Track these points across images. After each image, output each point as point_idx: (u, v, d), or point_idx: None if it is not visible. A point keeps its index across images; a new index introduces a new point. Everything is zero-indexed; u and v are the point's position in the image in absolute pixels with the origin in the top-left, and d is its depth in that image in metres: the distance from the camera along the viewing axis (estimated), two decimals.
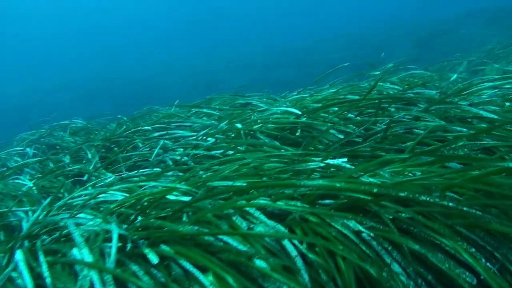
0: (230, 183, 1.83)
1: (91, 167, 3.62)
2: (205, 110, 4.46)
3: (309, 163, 1.81)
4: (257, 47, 24.53)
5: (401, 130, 2.37)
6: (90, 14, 50.66)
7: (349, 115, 2.91)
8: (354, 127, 2.67)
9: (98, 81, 20.96)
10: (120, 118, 7.75)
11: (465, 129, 2.13)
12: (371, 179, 1.56)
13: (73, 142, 4.96)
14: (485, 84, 3.41)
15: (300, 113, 2.92)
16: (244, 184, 1.75)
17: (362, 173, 1.60)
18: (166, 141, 3.53)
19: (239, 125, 3.01)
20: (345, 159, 1.79)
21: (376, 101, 2.69)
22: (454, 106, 2.38)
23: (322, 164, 1.79)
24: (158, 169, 2.81)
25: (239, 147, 2.74)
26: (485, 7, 18.53)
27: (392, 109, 2.83)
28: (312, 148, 2.44)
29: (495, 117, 2.19)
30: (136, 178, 2.68)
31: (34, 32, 45.79)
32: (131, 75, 21.44)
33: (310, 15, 41.24)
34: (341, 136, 2.59)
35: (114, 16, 50.37)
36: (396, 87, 3.83)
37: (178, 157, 2.98)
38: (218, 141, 3.02)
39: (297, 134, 2.83)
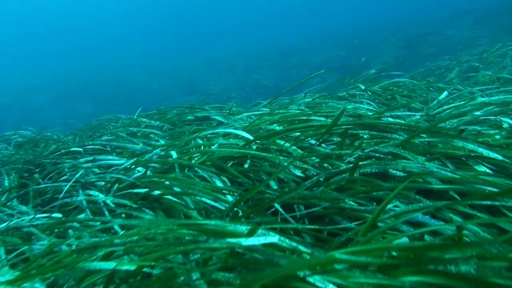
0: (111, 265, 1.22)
1: (3, 198, 2.97)
2: (153, 123, 3.82)
3: (227, 239, 1.20)
4: (239, 47, 23.92)
5: (372, 170, 1.77)
6: (71, 11, 49.60)
7: (312, 141, 2.31)
8: (315, 159, 2.07)
9: (76, 80, 20.15)
10: (74, 125, 7.06)
11: (457, 175, 1.53)
12: None
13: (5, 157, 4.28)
14: (478, 99, 2.84)
15: (251, 138, 2.31)
16: None
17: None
18: (94, 168, 2.91)
19: (174, 154, 2.38)
20: (275, 238, 1.16)
21: (344, 127, 2.08)
22: (442, 140, 1.78)
23: (245, 243, 1.18)
24: (59, 214, 2.17)
25: (170, 182, 2.13)
26: (472, 8, 18.14)
27: (366, 136, 2.23)
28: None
29: (499, 157, 1.60)
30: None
31: (7, 31, 44.55)
32: (111, 75, 20.66)
33: (295, 15, 40.71)
34: (298, 173, 1.98)
35: (91, 14, 49.36)
36: (372, 106, 3.26)
37: (97, 193, 2.35)
38: (147, 173, 2.39)
39: (245, 166, 2.22)
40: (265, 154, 2.06)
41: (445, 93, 3.10)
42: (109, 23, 46.20)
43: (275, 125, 2.54)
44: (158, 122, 4.07)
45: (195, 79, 17.62)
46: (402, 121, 2.26)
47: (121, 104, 16.84)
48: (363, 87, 3.73)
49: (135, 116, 5.03)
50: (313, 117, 2.48)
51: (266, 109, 4.06)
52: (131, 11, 49.84)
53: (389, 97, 3.69)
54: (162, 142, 3.19)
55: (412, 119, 2.42)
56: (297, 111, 2.84)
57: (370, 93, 3.84)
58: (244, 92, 15.55)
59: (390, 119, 2.22)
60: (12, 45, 38.98)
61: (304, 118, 2.47)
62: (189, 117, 3.69)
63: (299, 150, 2.12)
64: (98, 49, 31.50)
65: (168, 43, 32.32)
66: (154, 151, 2.55)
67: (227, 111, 4.16)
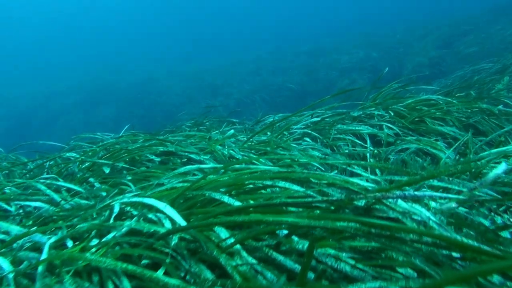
0: None
1: None
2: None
3: None
4: (267, 48, 23.20)
5: None
6: (95, 15, 50.12)
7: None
8: None
9: (100, 85, 19.96)
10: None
11: None
12: None
13: None
14: None
15: (179, 220, 1.43)
16: None
17: None
18: None
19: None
20: None
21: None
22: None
23: None
24: None
25: None
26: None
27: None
28: None
29: None
30: None
31: (29, 37, 45.35)
32: (136, 77, 20.37)
33: (325, 14, 39.61)
34: None
35: (110, 16, 49.69)
36: (395, 129, 2.49)
37: None
38: None
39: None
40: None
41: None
42: (134, 26, 46.47)
43: (222, 189, 1.58)
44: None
45: (219, 82, 17.05)
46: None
47: (146, 107, 16.51)
48: (378, 112, 2.98)
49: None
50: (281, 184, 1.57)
51: (244, 137, 3.35)
52: (155, 13, 49.96)
53: (416, 119, 2.93)
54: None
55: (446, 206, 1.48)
56: (260, 167, 1.98)
57: (392, 114, 3.07)
58: (268, 96, 14.88)
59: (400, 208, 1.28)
60: (37, 49, 39.71)
61: (269, 183, 1.56)
62: (158, 149, 2.93)
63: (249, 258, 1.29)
64: (123, 52, 31.55)
65: (194, 45, 31.97)
66: None
67: (206, 138, 3.42)
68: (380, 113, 3.08)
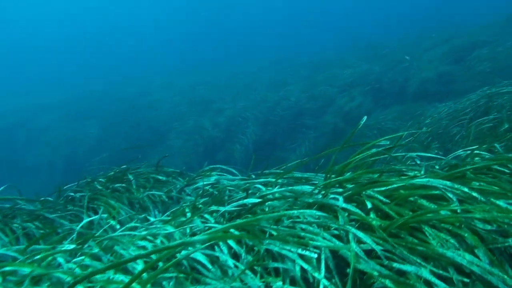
0: None
1: None
2: None
3: None
4: (265, 61, 21.98)
5: None
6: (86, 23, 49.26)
7: None
8: None
9: (89, 98, 18.96)
10: None
11: None
12: None
13: None
14: None
15: None
16: None
17: None
18: None
19: None
20: None
21: None
22: None
23: None
24: None
25: None
26: None
27: None
28: None
29: None
30: None
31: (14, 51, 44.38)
32: (123, 90, 19.34)
33: (329, 25, 38.34)
34: None
35: (108, 26, 48.88)
36: None
37: None
38: None
39: None
40: None
41: None
42: (132, 37, 45.67)
43: None
44: None
45: (212, 96, 15.91)
46: None
47: (132, 124, 15.41)
48: (341, 205, 1.74)
49: None
50: None
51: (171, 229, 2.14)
52: (154, 24, 49.07)
53: (410, 224, 1.71)
54: None
55: None
56: None
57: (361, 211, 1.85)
58: (261, 114, 13.67)
59: None
60: (25, 60, 38.94)
61: None
62: None
63: None
64: (119, 63, 30.66)
65: (191, 56, 30.84)
66: None
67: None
68: (344, 206, 1.85)
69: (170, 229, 1.87)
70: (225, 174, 3.17)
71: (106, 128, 15.41)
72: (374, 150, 2.03)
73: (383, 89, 12.70)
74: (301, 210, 1.69)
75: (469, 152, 2.58)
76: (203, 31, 44.48)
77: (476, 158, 2.47)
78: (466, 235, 1.45)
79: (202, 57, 28.64)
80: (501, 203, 1.53)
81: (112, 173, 3.46)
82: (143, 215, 2.54)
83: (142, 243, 1.77)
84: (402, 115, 10.27)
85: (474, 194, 1.52)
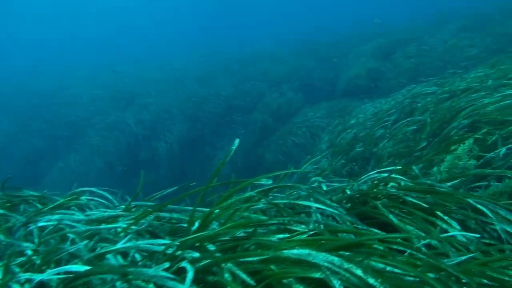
0: None
1: None
2: None
3: None
4: (198, 54, 21.12)
5: None
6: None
7: None
8: None
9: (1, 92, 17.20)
10: None
11: None
12: None
13: None
14: None
15: None
16: None
17: None
18: None
19: None
20: None
21: None
22: None
23: None
24: None
25: None
26: (458, 11, 15.84)
27: None
28: None
29: None
30: None
31: None
32: (41, 83, 17.77)
33: (265, 20, 38.06)
34: None
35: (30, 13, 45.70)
36: None
37: None
38: None
39: None
40: None
41: None
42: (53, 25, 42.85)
43: None
44: None
45: (137, 90, 14.92)
46: None
47: (47, 119, 14.04)
48: None
49: None
50: None
51: None
52: (83, 14, 46.30)
53: None
54: None
55: None
56: None
57: None
58: (189, 110, 12.92)
59: None
60: None
61: None
62: None
63: None
64: (38, 55, 28.49)
65: (112, 50, 29.11)
66: None
67: None
68: None
69: None
70: (99, 199, 2.52)
71: (17, 123, 13.97)
72: (248, 194, 1.49)
73: (313, 85, 12.45)
74: None
75: (385, 175, 2.12)
76: (134, 24, 42.55)
77: (391, 184, 2.02)
78: None
79: (130, 50, 27.19)
80: None
81: None
82: None
83: None
84: (331, 112, 10.02)
85: (371, 281, 1.01)
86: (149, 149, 12.24)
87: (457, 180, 2.14)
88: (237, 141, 1.63)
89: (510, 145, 2.84)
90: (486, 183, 2.16)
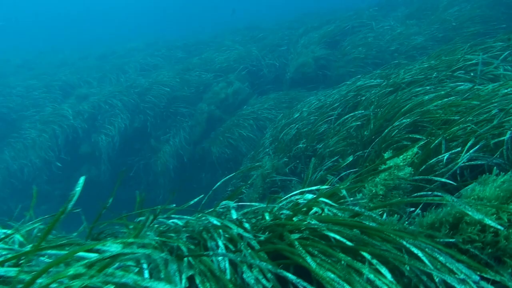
0: None
1: None
2: None
3: None
4: (140, 40, 20.16)
5: None
6: None
7: None
8: None
9: None
10: None
11: None
12: None
13: None
14: None
15: None
16: None
17: None
18: None
19: None
20: None
21: None
22: None
23: None
24: None
25: None
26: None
27: None
28: None
29: None
30: None
31: None
32: None
33: (210, 6, 37.06)
34: None
35: None
36: None
37: None
38: None
39: None
40: None
41: None
42: None
43: None
44: None
45: (76, 80, 14.01)
46: None
47: None
48: None
49: None
50: None
51: None
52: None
53: None
54: None
55: None
56: None
57: None
58: (132, 100, 12.23)
59: None
60: None
61: None
62: None
63: None
64: None
65: (57, 32, 27.52)
66: None
67: None
68: None
69: None
70: None
71: None
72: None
73: (260, 74, 12.11)
74: None
75: (310, 196, 1.78)
76: (77, 9, 40.39)
77: (314, 210, 1.69)
78: None
79: (70, 37, 25.71)
80: None
81: None
82: None
83: None
84: (279, 103, 9.75)
85: None
86: (89, 143, 11.54)
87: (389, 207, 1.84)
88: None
89: (453, 150, 2.59)
90: (426, 198, 1.86)
